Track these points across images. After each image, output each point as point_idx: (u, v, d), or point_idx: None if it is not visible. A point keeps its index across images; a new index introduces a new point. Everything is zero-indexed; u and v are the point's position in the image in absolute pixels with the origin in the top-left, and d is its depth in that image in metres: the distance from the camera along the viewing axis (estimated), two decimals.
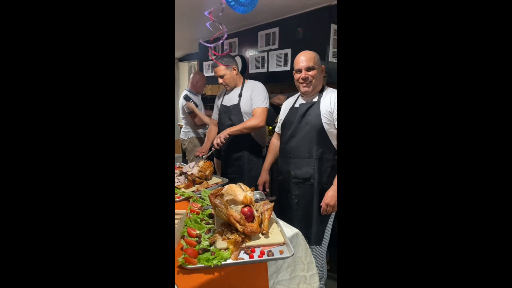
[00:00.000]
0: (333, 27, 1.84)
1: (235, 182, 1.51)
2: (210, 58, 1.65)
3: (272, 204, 1.03)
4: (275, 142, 1.57)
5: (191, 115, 2.49)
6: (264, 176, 1.59)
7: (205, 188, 1.39)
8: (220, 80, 1.71)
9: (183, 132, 2.62)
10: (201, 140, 2.63)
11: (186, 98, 2.47)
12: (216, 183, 1.50)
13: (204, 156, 1.74)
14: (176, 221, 0.94)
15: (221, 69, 1.67)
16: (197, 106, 2.48)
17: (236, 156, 1.76)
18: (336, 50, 1.90)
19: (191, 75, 2.61)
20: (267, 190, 1.59)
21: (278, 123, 1.51)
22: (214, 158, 1.99)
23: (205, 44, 1.05)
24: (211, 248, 0.88)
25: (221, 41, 1.11)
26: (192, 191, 1.36)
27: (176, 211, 1.02)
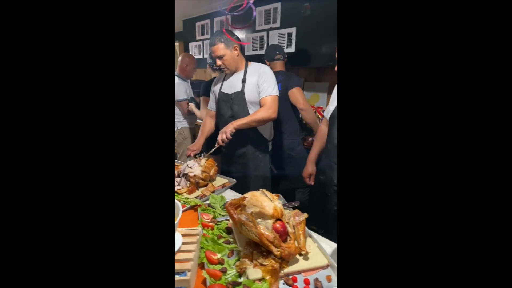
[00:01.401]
0: None
1: (239, 183, 1.31)
2: (224, 34, 1.35)
3: (305, 215, 0.84)
4: (323, 129, 1.36)
5: (181, 103, 2.21)
6: (310, 168, 1.42)
7: (212, 192, 1.18)
8: (219, 62, 1.43)
9: None
10: (193, 131, 2.37)
11: (191, 100, 2.21)
12: (223, 185, 1.29)
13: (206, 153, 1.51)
14: (192, 246, 0.73)
15: (220, 48, 1.38)
16: (192, 99, 2.22)
17: (239, 153, 1.54)
18: None
19: (180, 58, 2.30)
20: (312, 183, 1.43)
21: (326, 113, 1.30)
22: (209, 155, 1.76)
23: (224, 12, 0.79)
24: (242, 280, 0.69)
25: (247, 4, 0.82)
26: (197, 197, 1.15)
27: (186, 230, 0.80)
